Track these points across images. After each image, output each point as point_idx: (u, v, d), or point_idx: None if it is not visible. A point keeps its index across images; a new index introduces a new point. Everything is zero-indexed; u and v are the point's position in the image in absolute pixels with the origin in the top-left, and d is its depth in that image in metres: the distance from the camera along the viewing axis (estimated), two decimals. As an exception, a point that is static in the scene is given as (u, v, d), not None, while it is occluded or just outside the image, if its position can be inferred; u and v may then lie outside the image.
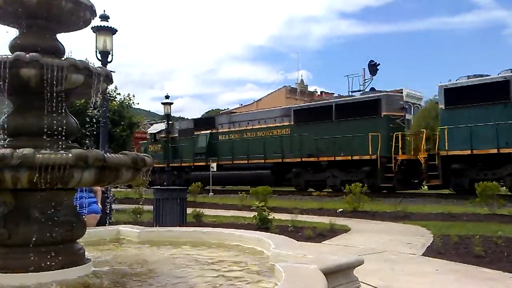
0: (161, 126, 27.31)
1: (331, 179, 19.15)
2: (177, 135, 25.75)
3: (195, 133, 24.40)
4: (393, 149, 17.16)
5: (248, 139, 22.05)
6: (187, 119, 32.97)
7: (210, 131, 23.72)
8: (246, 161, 21.63)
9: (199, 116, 39.94)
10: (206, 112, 66.90)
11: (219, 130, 23.64)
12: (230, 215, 10.87)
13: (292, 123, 20.59)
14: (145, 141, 28.42)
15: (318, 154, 19.18)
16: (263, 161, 21.06)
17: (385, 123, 17.88)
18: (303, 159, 19.61)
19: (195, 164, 23.86)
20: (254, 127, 22.14)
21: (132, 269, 2.97)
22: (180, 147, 25.28)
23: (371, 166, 17.72)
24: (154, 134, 27.13)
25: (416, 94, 19.42)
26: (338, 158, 18.58)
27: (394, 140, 17.15)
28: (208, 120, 25.25)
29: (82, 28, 3.07)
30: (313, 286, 2.15)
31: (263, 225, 7.91)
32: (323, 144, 19.08)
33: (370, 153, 17.56)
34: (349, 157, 18.20)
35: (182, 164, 24.73)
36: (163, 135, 25.44)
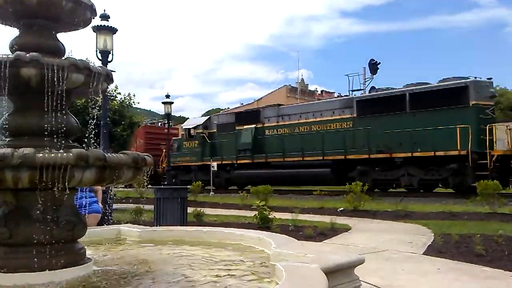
0: (197, 120, 25.35)
1: (406, 178, 16.92)
2: (215, 130, 23.44)
3: (237, 128, 22.13)
4: (487, 143, 15.08)
5: (302, 133, 19.74)
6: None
7: (254, 125, 21.45)
8: (300, 158, 19.44)
9: (199, 115, 39.64)
10: (207, 112, 66.86)
11: (266, 124, 21.29)
12: (231, 215, 10.87)
13: (355, 115, 18.32)
14: (179, 137, 26.35)
15: (391, 150, 16.97)
16: (321, 158, 18.81)
17: (475, 113, 15.62)
18: (372, 156, 17.49)
19: (239, 161, 21.69)
20: (307, 120, 19.78)
21: (132, 269, 2.97)
22: (219, 144, 22.83)
23: (459, 163, 15.60)
24: (189, 129, 24.56)
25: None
26: (416, 154, 16.33)
27: (488, 133, 15.13)
28: (252, 114, 22.61)
29: (82, 28, 3.07)
30: (314, 285, 2.15)
31: (264, 224, 7.91)
32: (394, 138, 16.81)
33: (459, 148, 15.36)
34: (431, 153, 15.98)
35: (223, 162, 22.37)
36: (200, 131, 23.55)
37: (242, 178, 21.63)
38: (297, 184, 19.99)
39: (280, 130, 20.75)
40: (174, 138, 26.61)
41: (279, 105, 22.74)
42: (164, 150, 25.44)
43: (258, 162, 21.04)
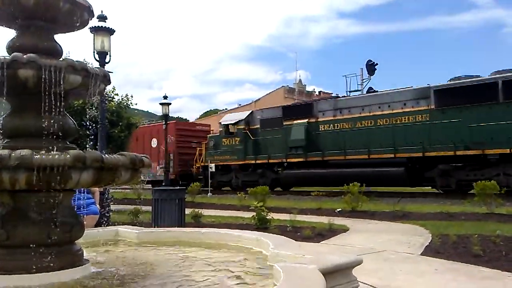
0: (237, 116, 23.09)
1: (502, 178, 14.48)
2: (258, 126, 21.21)
3: (285, 123, 19.97)
4: None
5: (368, 128, 17.52)
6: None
7: (307, 120, 19.27)
8: (366, 156, 17.29)
9: (197, 116, 39.43)
10: (205, 113, 66.84)
11: (320, 119, 19.05)
12: (228, 216, 10.87)
13: (433, 107, 16.01)
14: (216, 134, 23.78)
15: (483, 145, 14.68)
16: (392, 155, 16.59)
17: None
18: (458, 153, 15.20)
19: (289, 160, 19.53)
20: (372, 113, 17.56)
21: (130, 270, 2.97)
22: (264, 141, 20.69)
23: None
24: (228, 125, 22.30)
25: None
26: None
27: None
28: (303, 107, 20.26)
29: (79, 29, 3.07)
30: (312, 286, 2.15)
31: (262, 225, 7.91)
32: (485, 132, 14.69)
33: None
34: None
35: (270, 161, 20.28)
36: (242, 127, 21.51)
37: (293, 178, 19.70)
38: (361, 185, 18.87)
39: (338, 125, 18.54)
40: (210, 135, 24.54)
41: (336, 97, 20.19)
42: (198, 148, 23.88)
43: (312, 160, 18.89)
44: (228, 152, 21.88)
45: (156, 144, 25.63)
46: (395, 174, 16.39)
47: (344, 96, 19.79)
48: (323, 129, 19.01)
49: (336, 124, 18.62)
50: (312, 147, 18.98)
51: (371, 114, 17.63)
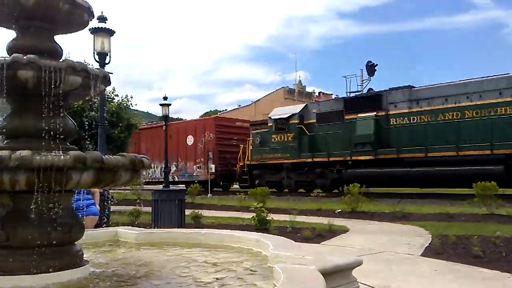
0: (290, 109, 20.88)
1: None
2: (314, 120, 19.24)
3: (347, 117, 18.08)
4: None
5: (456, 121, 15.42)
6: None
7: (374, 113, 17.25)
8: (454, 153, 15.16)
9: (197, 117, 39.28)
10: (204, 113, 66.78)
11: (391, 112, 17.00)
12: (228, 217, 10.87)
13: None
14: (265, 130, 21.56)
15: None
16: (488, 151, 14.53)
17: None
18: None
19: (354, 158, 17.49)
20: (459, 104, 15.45)
21: (129, 271, 2.97)
22: (322, 136, 18.65)
23: None
24: (279, 120, 20.23)
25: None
26: None
27: None
28: (369, 99, 17.92)
29: (79, 30, 3.07)
30: (312, 287, 2.15)
31: (262, 226, 7.91)
32: None
33: None
34: None
35: (331, 159, 18.25)
36: (296, 121, 19.58)
37: (358, 178, 16.98)
38: (447, 186, 16.12)
39: (415, 118, 16.49)
40: (257, 131, 22.38)
41: (411, 87, 17.61)
42: (241, 145, 22.13)
43: (383, 158, 16.80)
44: (279, 150, 19.98)
45: (192, 142, 24.34)
46: (492, 173, 13.92)
47: (422, 86, 17.56)
48: (395, 122, 17.01)
49: (412, 117, 16.56)
50: (382, 143, 17.04)
51: (457, 105, 15.59)
